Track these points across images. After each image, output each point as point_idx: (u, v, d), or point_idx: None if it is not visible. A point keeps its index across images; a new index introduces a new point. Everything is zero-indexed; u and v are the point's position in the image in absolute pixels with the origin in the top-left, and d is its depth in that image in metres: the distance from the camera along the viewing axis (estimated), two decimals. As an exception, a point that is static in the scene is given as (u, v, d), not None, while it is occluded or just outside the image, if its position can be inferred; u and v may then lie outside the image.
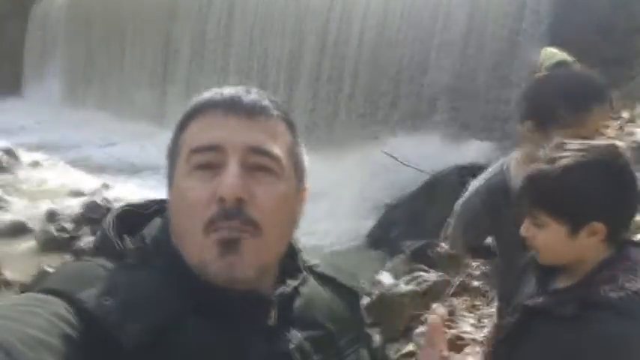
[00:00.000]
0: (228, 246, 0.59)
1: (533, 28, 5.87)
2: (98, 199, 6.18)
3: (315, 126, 7.72)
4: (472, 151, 5.71)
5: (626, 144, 3.45)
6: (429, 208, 4.69)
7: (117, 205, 0.70)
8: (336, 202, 5.45)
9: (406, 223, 4.85)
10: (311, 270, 0.71)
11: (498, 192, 1.37)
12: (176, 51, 11.41)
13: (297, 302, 0.66)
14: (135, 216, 0.66)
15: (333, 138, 7.26)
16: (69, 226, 5.74)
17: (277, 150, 0.63)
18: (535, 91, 1.32)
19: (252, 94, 0.64)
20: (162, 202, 0.68)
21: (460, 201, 1.48)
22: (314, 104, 8.04)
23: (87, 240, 5.27)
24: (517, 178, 1.32)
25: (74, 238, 5.48)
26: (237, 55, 9.91)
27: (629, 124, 4.02)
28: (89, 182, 8.07)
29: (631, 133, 3.69)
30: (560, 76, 1.36)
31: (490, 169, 1.43)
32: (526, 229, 1.01)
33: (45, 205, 6.68)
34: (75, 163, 9.31)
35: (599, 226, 0.96)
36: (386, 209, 5.14)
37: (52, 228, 5.69)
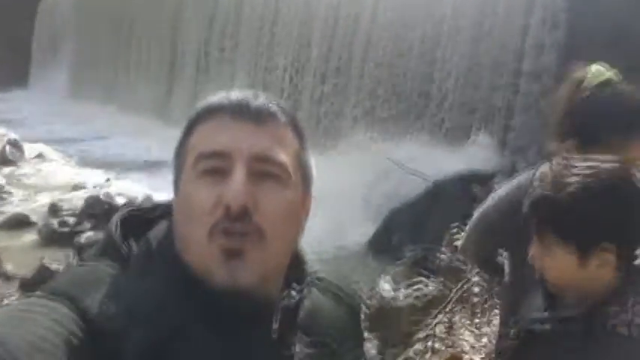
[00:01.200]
0: (232, 253, 0.59)
1: (545, 36, 5.83)
2: (100, 194, 6.19)
3: (319, 130, 7.72)
4: (474, 155, 5.70)
5: None
6: (430, 215, 4.68)
7: (121, 203, 0.69)
8: (338, 206, 5.44)
9: (408, 230, 4.84)
10: (314, 281, 0.72)
11: (520, 206, 1.34)
12: (183, 46, 11.41)
13: (302, 312, 0.67)
14: (140, 219, 0.66)
15: (337, 141, 7.25)
16: (71, 220, 5.75)
17: (284, 157, 0.63)
18: (579, 111, 1.27)
19: (260, 99, 0.64)
20: (168, 205, 0.67)
21: (479, 209, 1.45)
22: (319, 106, 8.04)
23: (87, 235, 5.27)
24: None
25: (75, 232, 5.49)
26: (243, 52, 9.91)
27: None
28: (92, 176, 8.09)
29: None
30: (607, 97, 1.32)
31: (514, 181, 1.37)
32: (534, 252, 1.00)
33: (48, 199, 6.70)
34: (79, 157, 9.34)
35: (609, 252, 0.94)
36: (388, 215, 5.13)
37: (54, 222, 5.70)
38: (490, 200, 1.41)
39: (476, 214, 1.45)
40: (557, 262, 0.96)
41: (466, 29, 6.40)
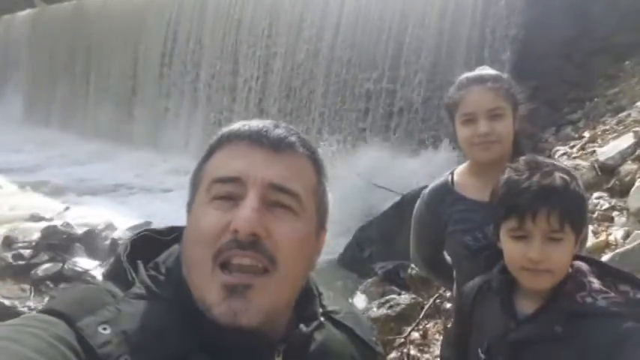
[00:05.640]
0: (235, 290, 0.57)
1: (497, 53, 6.03)
2: (58, 224, 5.93)
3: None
4: (441, 165, 5.77)
5: (589, 163, 3.52)
6: (400, 228, 4.67)
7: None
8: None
9: (378, 244, 4.82)
10: (329, 316, 0.69)
11: (440, 193, 1.38)
12: (143, 70, 11.23)
13: (312, 349, 0.64)
14: (154, 242, 0.64)
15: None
16: (27, 252, 5.46)
17: (299, 188, 0.61)
18: None
19: (279, 129, 0.62)
20: (183, 229, 0.64)
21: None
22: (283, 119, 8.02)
23: (45, 267, 5.02)
24: (462, 183, 1.37)
25: (32, 265, 5.21)
26: (206, 73, 9.83)
27: (589, 144, 4.12)
28: (50, 205, 7.76)
29: (592, 153, 3.77)
30: None
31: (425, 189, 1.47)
32: (539, 252, 0.93)
33: (1, 231, 6.37)
34: (36, 186, 8.96)
35: (572, 231, 0.95)
36: (357, 230, 5.10)
37: (7, 255, 5.41)
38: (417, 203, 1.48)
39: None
40: (565, 252, 0.94)
41: (430, 37, 6.56)
